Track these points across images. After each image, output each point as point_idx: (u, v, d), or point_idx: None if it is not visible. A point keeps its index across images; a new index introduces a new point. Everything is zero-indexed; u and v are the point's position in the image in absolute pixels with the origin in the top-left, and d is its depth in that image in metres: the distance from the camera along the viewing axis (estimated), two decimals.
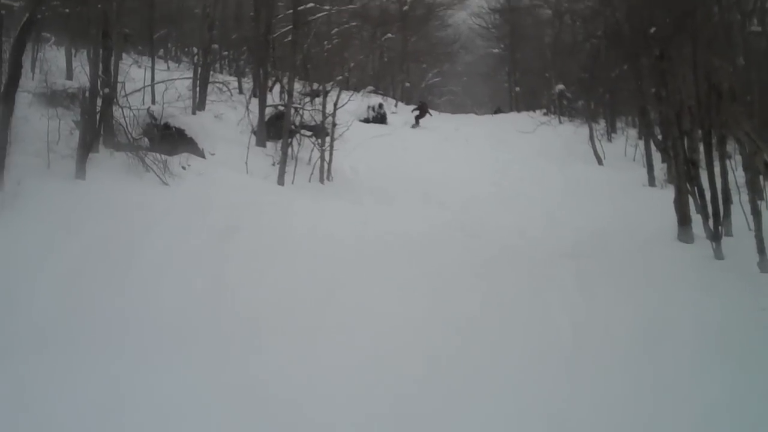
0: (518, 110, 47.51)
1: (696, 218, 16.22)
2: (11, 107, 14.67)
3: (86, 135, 16.39)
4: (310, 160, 24.38)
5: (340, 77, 30.28)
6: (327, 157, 24.57)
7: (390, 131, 33.58)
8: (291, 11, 26.39)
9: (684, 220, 16.53)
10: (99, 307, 10.74)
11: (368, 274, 13.14)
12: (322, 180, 24.09)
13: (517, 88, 53.32)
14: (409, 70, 53.19)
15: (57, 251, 12.24)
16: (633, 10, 20.15)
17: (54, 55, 24.04)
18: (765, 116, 19.62)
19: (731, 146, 18.32)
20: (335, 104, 25.96)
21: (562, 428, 8.28)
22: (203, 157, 21.16)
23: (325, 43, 30.77)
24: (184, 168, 18.22)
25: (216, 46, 33.34)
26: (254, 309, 11.31)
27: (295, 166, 23.12)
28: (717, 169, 16.28)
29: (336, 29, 35.00)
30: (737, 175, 17.47)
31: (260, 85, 27.44)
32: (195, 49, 32.95)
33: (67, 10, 23.10)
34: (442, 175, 26.64)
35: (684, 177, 16.49)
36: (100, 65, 18.24)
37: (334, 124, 25.64)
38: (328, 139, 24.97)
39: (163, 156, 17.78)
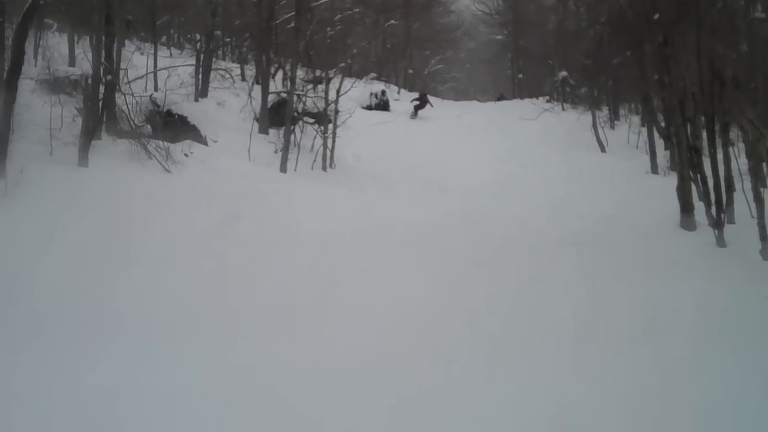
0: (521, 97, 47.47)
1: (699, 205, 16.19)
2: (14, 94, 14.66)
3: (89, 122, 16.39)
4: (312, 147, 24.38)
5: (343, 64, 30.28)
6: (329, 145, 24.57)
7: (393, 118, 33.63)
8: None
9: (687, 208, 16.50)
10: (100, 296, 10.75)
11: (370, 264, 13.13)
12: (324, 167, 24.10)
13: (520, 75, 53.26)
14: (412, 56, 53.11)
15: (59, 239, 12.25)
16: None
17: (57, 42, 24.05)
18: None
19: (734, 133, 18.28)
20: (338, 91, 25.95)
21: (567, 420, 8.27)
22: (206, 144, 21.18)
23: (328, 29, 30.64)
24: (186, 155, 18.25)
25: (219, 32, 33.27)
26: (255, 299, 11.31)
27: (298, 154, 23.12)
28: (720, 156, 16.22)
29: (339, 15, 34.89)
30: (740, 162, 17.41)
31: (263, 71, 27.45)
32: (198, 36, 32.94)
33: None
34: (444, 163, 26.66)
35: (687, 164, 16.45)
36: (103, 52, 18.26)
37: (336, 111, 25.64)
38: (330, 126, 24.96)
39: (165, 143, 17.80)
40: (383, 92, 37.48)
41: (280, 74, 29.81)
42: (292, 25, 26.32)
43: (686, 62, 16.41)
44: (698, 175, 15.94)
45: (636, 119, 33.95)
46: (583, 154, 28.93)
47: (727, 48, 15.38)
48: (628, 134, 32.04)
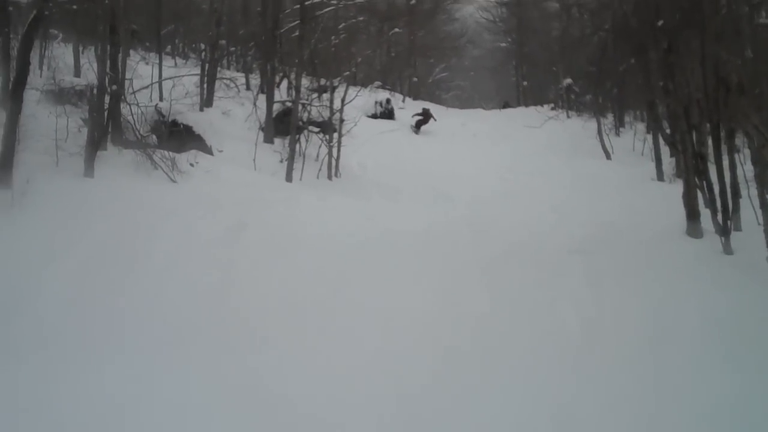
0: (526, 105, 47.46)
1: (705, 213, 16.16)
2: (19, 105, 14.70)
3: (94, 132, 16.44)
4: (318, 156, 24.39)
5: (348, 72, 30.27)
6: (335, 154, 24.57)
7: (398, 127, 33.64)
8: (298, 6, 26.34)
9: (693, 215, 16.47)
10: (106, 306, 10.75)
11: (376, 271, 13.14)
12: (330, 176, 24.08)
13: (525, 83, 53.26)
14: (417, 64, 53.15)
15: (65, 249, 12.27)
16: (640, 2, 20.10)
17: (62, 53, 24.12)
18: None
19: (740, 140, 18.25)
20: (343, 100, 25.96)
21: (571, 425, 8.27)
22: (211, 154, 21.20)
23: (333, 38, 30.76)
24: (192, 165, 18.27)
25: (223, 41, 33.38)
26: (261, 307, 11.32)
27: (303, 163, 23.12)
28: (726, 163, 16.21)
29: (343, 24, 35.02)
30: (746, 169, 17.39)
31: (268, 81, 27.48)
32: (202, 45, 32.99)
33: (74, 7, 23.20)
34: (449, 171, 26.65)
35: (692, 171, 16.43)
36: (108, 62, 18.30)
37: (341, 120, 25.64)
38: (335, 135, 24.97)
39: (171, 153, 17.83)
40: (388, 101, 37.46)
41: (284, 83, 29.88)
42: (297, 34, 26.36)
43: (691, 69, 16.40)
44: (704, 182, 15.93)
45: (641, 126, 33.91)
46: (589, 162, 28.90)
47: (731, 54, 15.37)
48: (634, 141, 32.00)
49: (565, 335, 10.74)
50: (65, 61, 23.29)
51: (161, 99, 23.49)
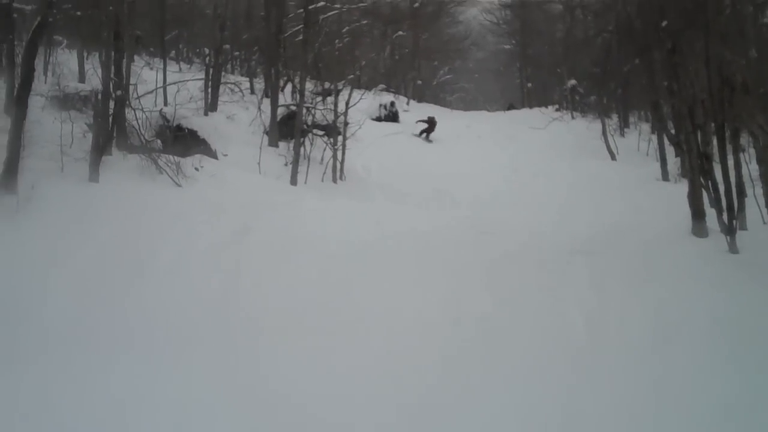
0: (530, 106, 47.44)
1: (710, 212, 16.12)
2: (24, 111, 14.75)
3: (99, 138, 16.46)
4: (322, 159, 24.43)
5: (352, 76, 30.34)
6: (339, 157, 24.61)
7: (402, 129, 33.67)
8: (302, 10, 26.45)
9: (698, 215, 16.43)
10: (111, 311, 10.77)
11: (380, 273, 13.13)
12: (334, 179, 24.13)
13: (529, 84, 53.27)
14: (421, 67, 53.17)
15: (70, 254, 12.30)
16: (644, 3, 20.04)
17: (66, 58, 24.22)
18: None
19: (745, 139, 18.23)
20: (347, 103, 26.02)
21: (576, 426, 8.26)
22: (216, 158, 21.26)
23: (336, 41, 30.78)
24: (197, 169, 18.30)
25: (227, 46, 33.44)
26: (267, 310, 11.33)
27: (308, 166, 23.17)
28: (731, 163, 16.18)
29: (347, 27, 35.02)
30: (751, 168, 17.36)
31: (272, 85, 27.55)
32: (206, 50, 33.07)
33: (78, 13, 23.25)
34: (454, 172, 26.70)
35: (697, 171, 16.39)
36: (112, 67, 18.35)
37: (346, 123, 25.69)
38: (340, 138, 25.00)
39: (176, 158, 17.85)
40: (392, 103, 37.50)
41: (289, 87, 29.92)
42: (301, 37, 26.43)
43: (695, 69, 16.37)
44: (709, 182, 15.89)
45: (646, 127, 33.88)
46: (593, 162, 28.89)
47: (735, 54, 15.35)
48: (638, 142, 31.97)
49: (569, 336, 10.71)
50: (69, 67, 23.35)
51: (166, 104, 23.55)
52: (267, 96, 28.09)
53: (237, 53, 38.95)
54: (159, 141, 19.92)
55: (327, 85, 27.74)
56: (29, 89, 15.03)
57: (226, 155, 22.05)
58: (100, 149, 16.31)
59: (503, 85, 62.24)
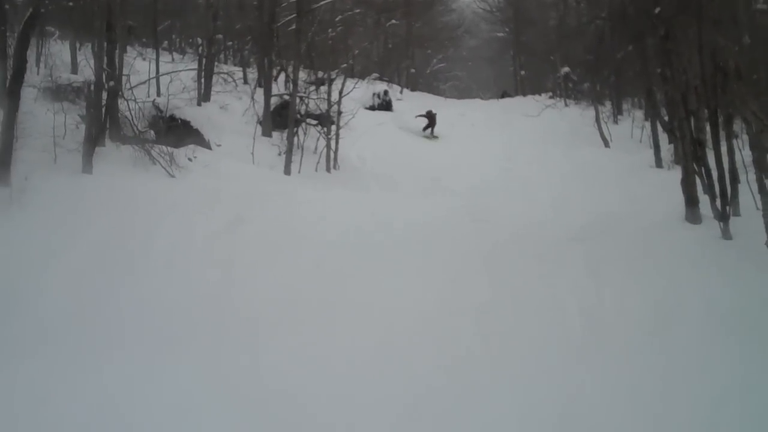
0: (524, 94, 47.39)
1: (703, 199, 16.15)
2: (17, 102, 14.72)
3: (92, 129, 16.45)
4: (316, 149, 24.40)
5: (345, 65, 30.29)
6: (333, 146, 24.59)
7: (396, 118, 33.60)
8: None
9: (691, 201, 16.46)
10: (106, 302, 10.77)
11: (376, 263, 13.14)
12: (328, 169, 24.13)
13: (522, 72, 53.15)
14: (414, 55, 53.07)
15: (64, 246, 12.29)
16: None
17: (58, 50, 24.10)
18: None
19: (738, 125, 18.23)
20: (340, 92, 25.98)
21: (575, 414, 8.27)
22: (209, 148, 21.23)
23: (329, 30, 30.69)
24: (190, 160, 18.30)
25: (220, 36, 33.35)
26: (261, 303, 11.32)
27: (302, 156, 23.15)
28: (724, 149, 16.19)
29: (340, 16, 34.93)
30: (744, 155, 17.37)
31: (265, 74, 27.51)
32: (199, 40, 32.97)
33: (70, 4, 23.17)
34: (448, 161, 26.70)
35: (691, 157, 16.41)
36: (105, 58, 18.31)
37: (339, 113, 25.66)
38: (333, 127, 24.98)
39: (169, 148, 17.85)
40: (386, 92, 37.40)
41: (282, 77, 29.86)
42: (294, 27, 26.37)
43: (688, 56, 16.37)
44: (702, 168, 15.92)
45: (639, 114, 33.84)
46: (587, 150, 28.89)
47: (728, 40, 15.34)
48: (632, 129, 31.95)
49: (567, 324, 10.74)
50: (62, 58, 23.26)
51: (159, 94, 23.51)
52: (260, 86, 28.04)
53: (230, 43, 38.84)
54: (152, 132, 19.90)
55: (320, 74, 27.69)
56: (21, 81, 15.00)
57: (219, 145, 22.02)
58: (93, 140, 16.29)
59: (497, 72, 62.16)
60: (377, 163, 25.66)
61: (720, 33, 15.27)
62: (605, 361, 9.51)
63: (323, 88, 26.40)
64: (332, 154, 24.49)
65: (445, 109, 37.39)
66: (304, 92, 26.24)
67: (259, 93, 26.73)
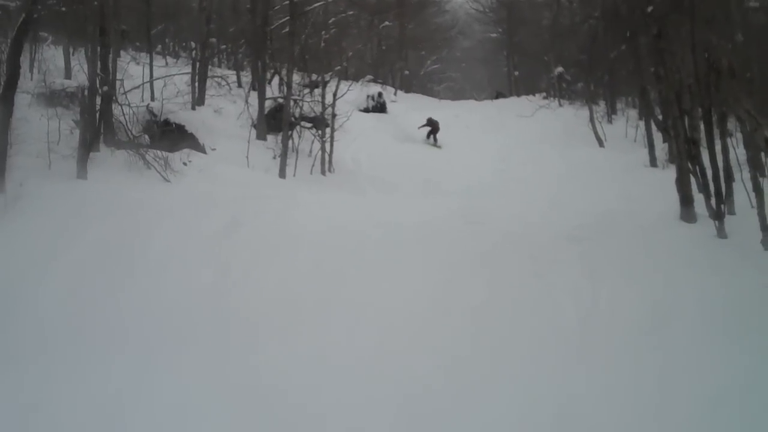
0: (518, 94, 47.41)
1: (698, 197, 16.18)
2: (10, 108, 14.70)
3: (86, 134, 16.43)
4: (311, 152, 24.40)
5: (339, 67, 30.26)
6: (328, 149, 24.58)
7: (390, 120, 33.60)
8: (287, 2, 26.32)
9: (686, 200, 16.49)
10: (103, 307, 10.76)
11: (372, 265, 13.14)
12: (323, 171, 24.11)
13: (516, 72, 53.17)
14: (408, 57, 53.05)
15: (60, 252, 12.27)
16: None
17: (52, 55, 24.05)
18: (765, 93, 19.55)
19: (732, 124, 18.26)
20: (334, 95, 25.96)
21: (572, 413, 8.28)
22: (204, 152, 21.20)
23: (323, 33, 30.67)
24: (185, 164, 18.28)
25: (214, 39, 33.29)
26: (258, 304, 11.32)
27: (296, 159, 23.14)
28: (718, 148, 16.22)
29: (333, 19, 34.92)
30: (739, 153, 17.41)
31: (259, 77, 27.47)
32: (193, 44, 32.93)
33: (63, 9, 23.10)
34: (443, 162, 26.69)
35: (685, 156, 16.45)
36: (99, 63, 18.27)
37: (333, 115, 25.65)
38: (328, 130, 24.98)
39: (164, 153, 17.82)
40: (380, 94, 37.38)
41: (276, 80, 29.85)
42: (287, 30, 26.33)
43: (681, 54, 16.40)
44: (697, 167, 15.94)
45: (633, 113, 33.88)
46: (582, 150, 28.93)
47: (721, 38, 15.37)
48: (626, 128, 32.00)
49: (563, 324, 10.76)
50: (55, 64, 23.23)
51: (153, 99, 23.47)
52: (254, 89, 28.01)
53: (223, 46, 38.83)
54: (146, 136, 19.87)
55: (314, 76, 27.68)
56: (15, 87, 14.98)
57: (214, 149, 21.99)
58: (87, 146, 16.27)
59: (490, 73, 62.22)
60: (372, 166, 25.65)
61: (713, 31, 15.30)
62: (602, 360, 9.52)
63: (317, 91, 26.39)
64: (327, 157, 24.47)
65: (440, 110, 37.41)
66: (298, 95, 26.21)
67: (253, 96, 26.70)
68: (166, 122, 21.16)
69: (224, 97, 27.66)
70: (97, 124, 17.56)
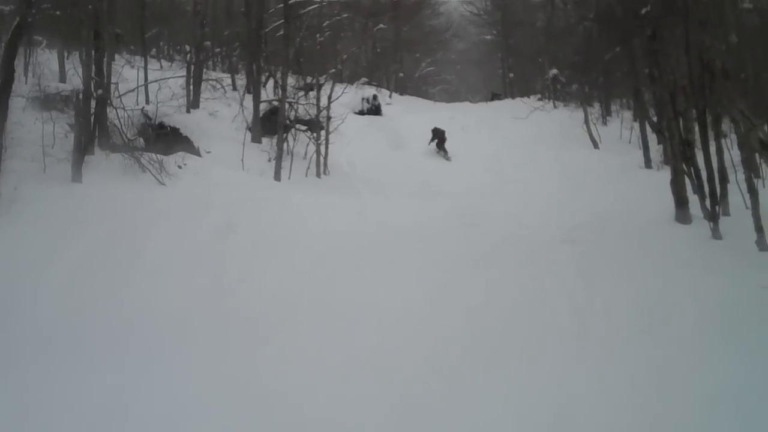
0: (512, 96, 47.40)
1: (693, 199, 16.22)
2: (5, 112, 14.67)
3: (81, 137, 16.40)
4: (306, 154, 24.38)
5: (333, 70, 30.24)
6: (323, 151, 24.57)
7: (385, 123, 33.61)
8: (282, 5, 26.32)
9: (681, 201, 16.53)
10: (100, 310, 10.75)
11: (368, 267, 13.15)
12: (318, 174, 24.10)
13: (511, 74, 53.18)
14: (403, 60, 53.03)
15: (56, 255, 12.26)
16: None
17: (46, 58, 24.03)
18: (759, 94, 19.59)
19: (726, 125, 18.31)
20: (329, 97, 25.96)
21: (569, 414, 8.27)
22: (199, 155, 21.18)
23: (317, 36, 30.64)
24: (180, 167, 18.23)
25: (208, 43, 33.28)
26: (255, 306, 11.33)
27: (291, 162, 23.12)
28: (713, 149, 16.26)
29: (327, 21, 34.89)
30: (733, 154, 17.46)
31: (254, 80, 27.47)
32: (187, 47, 32.90)
33: (57, 13, 23.07)
34: (438, 165, 26.70)
35: (680, 158, 16.49)
36: (93, 67, 18.25)
37: (328, 118, 25.64)
38: (323, 132, 24.97)
39: (158, 156, 17.79)
40: (375, 97, 37.39)
41: (271, 82, 29.84)
42: (282, 33, 26.32)
43: (675, 56, 16.44)
44: (692, 168, 15.99)
45: (628, 115, 33.95)
46: (577, 151, 28.94)
47: (715, 40, 15.40)
48: (621, 130, 32.04)
49: (558, 325, 10.75)
50: (50, 67, 23.20)
51: (147, 102, 23.45)
52: (249, 92, 27.99)
53: (218, 49, 38.78)
54: (141, 139, 19.82)
55: (309, 79, 27.65)
56: (10, 91, 14.95)
57: (209, 152, 21.98)
58: (82, 149, 16.24)
59: (485, 75, 62.15)
60: (367, 168, 25.66)
61: (707, 33, 15.33)
62: (598, 361, 9.51)
63: (312, 94, 26.36)
64: (322, 160, 24.47)
65: (435, 112, 37.44)
66: (293, 98, 26.20)
67: (248, 99, 26.70)
68: (161, 125, 21.14)
69: (219, 100, 27.65)
70: (92, 127, 17.54)
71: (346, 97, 30.30)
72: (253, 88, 27.12)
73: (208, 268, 12.63)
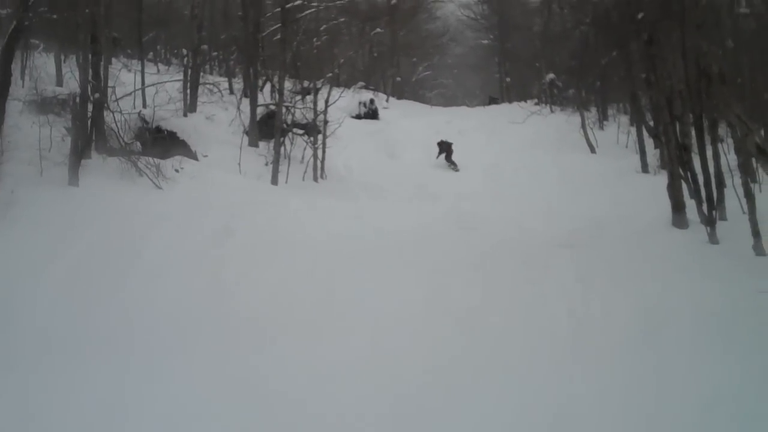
0: (509, 101, 47.43)
1: (690, 203, 16.23)
2: (2, 116, 14.68)
3: (78, 141, 16.37)
4: (303, 158, 24.38)
5: (330, 74, 30.25)
6: (320, 155, 24.57)
7: (382, 127, 33.63)
8: (279, 9, 26.34)
9: (678, 206, 16.54)
10: (99, 314, 10.74)
11: (366, 271, 13.15)
12: (315, 178, 24.09)
13: (508, 79, 53.24)
14: (400, 64, 53.06)
15: (53, 259, 12.25)
16: None
17: (43, 62, 23.99)
18: (756, 98, 19.64)
19: (723, 130, 18.33)
20: (326, 101, 25.96)
21: (567, 418, 8.27)
22: (196, 159, 21.17)
23: (314, 40, 30.67)
24: (177, 171, 18.21)
25: (205, 46, 33.25)
26: (253, 309, 11.34)
27: (289, 165, 23.12)
28: (709, 153, 16.28)
29: (324, 26, 34.91)
30: (730, 159, 17.47)
31: (251, 84, 27.42)
32: (184, 51, 32.89)
33: (54, 16, 23.05)
34: (436, 169, 26.71)
35: (677, 162, 16.50)
36: (90, 70, 18.23)
37: (325, 122, 25.64)
38: (320, 136, 24.97)
39: (155, 159, 17.77)
40: (372, 101, 37.42)
41: (268, 86, 29.82)
42: (279, 37, 26.33)
43: (672, 60, 16.46)
44: (688, 173, 16.00)
45: (625, 119, 33.97)
46: (573, 156, 28.95)
47: (712, 44, 15.42)
48: (618, 134, 32.05)
49: (556, 329, 10.75)
50: (47, 71, 23.18)
51: (144, 106, 23.39)
52: (246, 96, 27.97)
53: (215, 53, 38.78)
54: (138, 143, 19.80)
55: (306, 83, 27.66)
56: (6, 94, 14.95)
57: (206, 156, 21.97)
58: (79, 153, 16.22)
59: (482, 80, 62.19)
60: (364, 172, 25.66)
61: (703, 37, 15.35)
62: (595, 364, 9.50)
63: (309, 98, 26.37)
64: (319, 164, 24.47)
65: (432, 117, 37.53)
66: (290, 102, 26.21)
67: (245, 103, 26.68)
68: (158, 129, 21.13)
69: (216, 104, 27.60)
70: (89, 131, 17.52)
71: (343, 101, 30.32)
72: (250, 91, 27.09)
73: (205, 272, 12.63)
